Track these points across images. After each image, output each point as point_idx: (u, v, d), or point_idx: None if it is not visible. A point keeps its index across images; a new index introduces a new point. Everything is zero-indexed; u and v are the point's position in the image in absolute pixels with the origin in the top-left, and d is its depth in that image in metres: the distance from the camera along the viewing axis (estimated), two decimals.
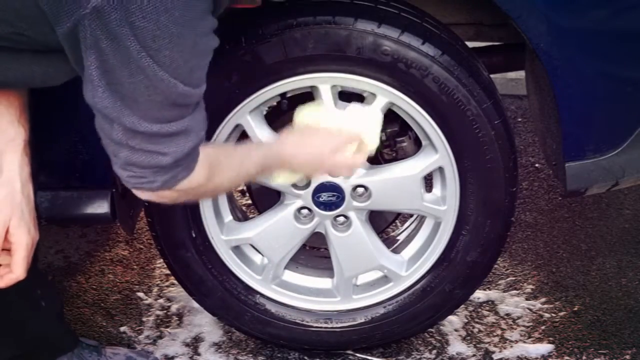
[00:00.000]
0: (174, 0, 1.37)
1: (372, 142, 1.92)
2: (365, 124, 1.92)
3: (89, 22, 1.35)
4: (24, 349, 2.03)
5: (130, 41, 1.36)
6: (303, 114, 1.93)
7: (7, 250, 1.66)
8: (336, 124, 1.90)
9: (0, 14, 1.42)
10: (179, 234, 2.11)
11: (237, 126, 2.00)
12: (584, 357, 2.31)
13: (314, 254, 2.39)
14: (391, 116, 2.03)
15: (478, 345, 2.36)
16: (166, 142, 1.50)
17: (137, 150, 1.50)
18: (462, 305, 2.37)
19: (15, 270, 1.64)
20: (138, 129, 1.46)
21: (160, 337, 2.41)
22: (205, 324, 2.44)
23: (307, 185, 2.05)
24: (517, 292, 2.57)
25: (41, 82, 1.61)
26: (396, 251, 2.23)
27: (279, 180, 1.96)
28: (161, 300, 2.56)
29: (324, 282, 2.27)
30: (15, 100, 1.68)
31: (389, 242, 2.31)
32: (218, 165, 1.67)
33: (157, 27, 1.36)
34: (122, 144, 1.50)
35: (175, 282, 2.34)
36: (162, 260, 2.25)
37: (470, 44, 2.12)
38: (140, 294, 2.58)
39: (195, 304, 2.32)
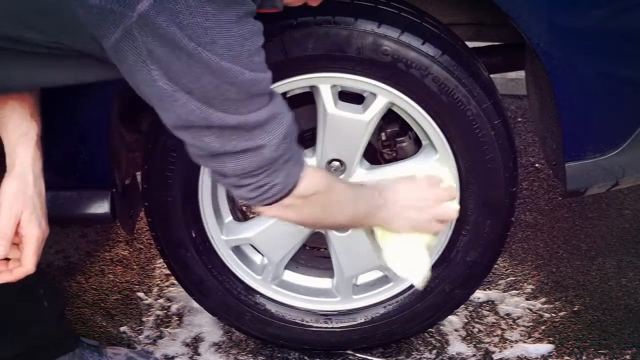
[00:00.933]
0: None
1: (450, 179, 1.97)
2: (448, 177, 1.96)
3: (137, 31, 1.34)
4: (25, 348, 2.03)
5: (184, 41, 1.35)
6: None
7: (16, 244, 1.65)
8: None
9: (42, 25, 1.41)
10: (179, 234, 2.11)
11: None
12: (584, 357, 2.31)
13: (314, 254, 2.39)
14: (391, 116, 2.03)
15: (478, 345, 2.36)
16: (258, 132, 1.50)
17: (238, 154, 1.50)
18: (462, 305, 2.37)
19: (25, 264, 1.64)
20: (228, 123, 1.46)
21: (160, 337, 2.41)
22: (205, 324, 2.44)
23: None
24: (517, 292, 2.57)
25: (75, 82, 1.61)
26: None
27: (379, 240, 1.91)
28: (161, 300, 2.56)
29: (324, 282, 2.27)
30: (28, 96, 1.68)
31: None
32: (333, 180, 1.71)
33: (206, 18, 1.36)
34: (222, 153, 1.50)
35: (175, 282, 2.34)
36: (162, 260, 2.25)
37: (470, 44, 2.12)
38: (140, 294, 2.58)
39: (195, 304, 2.32)
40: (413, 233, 1.89)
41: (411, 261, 1.92)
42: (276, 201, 1.60)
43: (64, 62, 1.53)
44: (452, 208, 1.93)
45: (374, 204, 1.83)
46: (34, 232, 1.66)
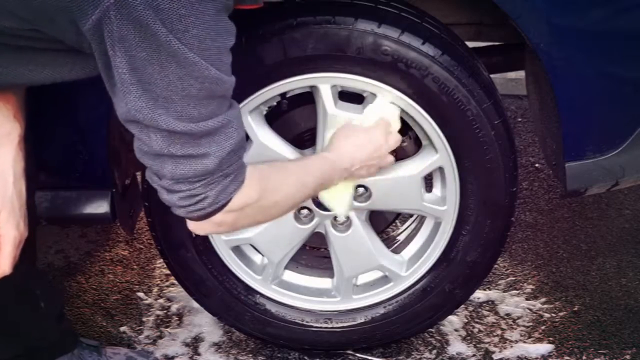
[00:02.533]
0: None
1: (397, 120, 1.96)
2: (387, 113, 1.95)
3: (114, 12, 1.34)
4: (24, 350, 2.03)
5: (157, 26, 1.35)
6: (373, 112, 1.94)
7: None
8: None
9: (20, 11, 1.41)
10: (179, 234, 2.11)
11: None
12: (584, 357, 2.31)
13: (314, 254, 2.39)
14: None
15: (478, 345, 2.36)
16: (206, 141, 1.49)
17: (180, 158, 1.49)
18: (462, 305, 2.37)
19: (0, 265, 1.63)
20: (175, 129, 1.45)
21: (160, 337, 2.41)
22: (205, 324, 2.44)
23: None
24: (517, 292, 2.57)
25: (51, 81, 1.60)
26: (396, 251, 2.23)
27: (338, 194, 1.95)
28: (161, 300, 2.56)
29: (324, 282, 2.27)
30: (12, 96, 1.68)
31: (389, 242, 2.31)
32: (269, 180, 1.66)
33: (182, 5, 1.36)
34: (164, 154, 1.49)
35: (175, 282, 2.34)
36: (162, 260, 2.25)
37: (470, 44, 2.12)
38: (140, 294, 2.58)
39: (195, 304, 2.32)
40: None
41: (339, 196, 1.96)
42: (205, 216, 1.58)
43: (42, 58, 1.53)
44: (390, 160, 1.95)
45: (321, 175, 1.82)
46: (11, 233, 1.65)
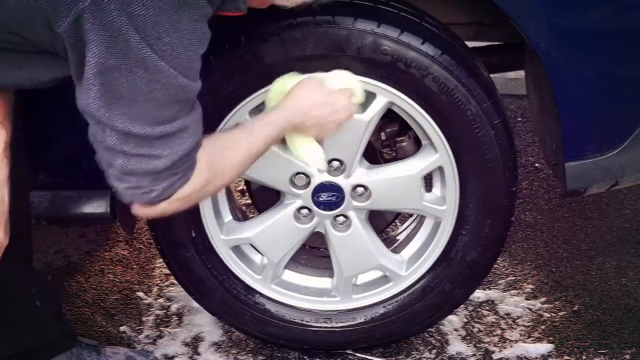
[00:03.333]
0: None
1: (360, 93, 1.90)
2: (353, 84, 1.90)
3: (88, 15, 1.35)
4: (20, 349, 2.03)
5: (130, 32, 1.36)
6: (285, 84, 1.87)
7: None
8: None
9: None
10: (179, 234, 2.11)
11: (237, 126, 1.99)
12: (584, 357, 2.31)
13: (314, 254, 2.39)
14: (391, 116, 2.03)
15: (478, 345, 2.36)
16: (161, 144, 1.50)
17: (133, 156, 1.50)
18: (462, 305, 2.37)
19: None
20: (131, 131, 1.46)
21: (160, 337, 2.41)
22: (205, 324, 2.44)
23: (307, 185, 2.05)
24: (517, 292, 2.57)
25: (29, 84, 1.60)
26: (396, 251, 2.23)
27: (297, 145, 1.90)
28: (161, 300, 2.56)
29: (324, 282, 2.27)
30: (0, 103, 1.67)
31: (389, 242, 2.31)
32: (218, 165, 1.65)
33: (157, 13, 1.37)
34: (117, 151, 1.49)
35: (175, 282, 2.34)
36: (162, 260, 2.25)
37: (470, 44, 2.12)
38: (140, 294, 2.58)
39: (195, 304, 2.32)
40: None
41: (311, 151, 1.91)
42: (150, 204, 1.59)
43: (18, 59, 1.53)
44: (339, 127, 1.88)
45: (271, 141, 1.77)
46: None
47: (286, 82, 1.86)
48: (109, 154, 1.51)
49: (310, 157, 1.91)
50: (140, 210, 1.61)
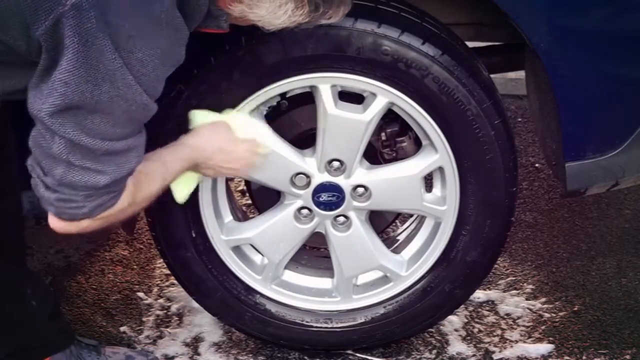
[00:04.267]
0: (152, 2, 1.38)
1: (267, 143, 1.94)
2: (261, 133, 1.94)
3: (66, 19, 1.35)
4: (16, 348, 2.03)
5: (104, 41, 1.36)
6: (205, 117, 1.90)
7: None
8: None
9: None
10: (179, 234, 2.11)
11: None
12: (584, 357, 2.31)
13: (314, 254, 2.39)
14: (391, 116, 2.03)
15: (478, 345, 2.36)
16: (107, 160, 1.50)
17: (75, 167, 1.48)
18: (462, 305, 2.37)
19: None
20: (82, 142, 1.45)
21: (160, 337, 2.41)
22: (205, 324, 2.44)
23: (307, 185, 2.05)
24: (517, 292, 2.57)
25: (4, 93, 1.59)
26: (396, 251, 2.23)
27: (179, 187, 1.92)
28: (161, 300, 2.56)
29: (324, 282, 2.27)
30: None
31: (389, 242, 2.31)
32: (140, 190, 1.65)
33: (135, 26, 1.37)
34: (61, 159, 1.47)
35: (175, 282, 2.34)
36: (162, 260, 2.25)
37: (470, 44, 2.12)
38: (140, 294, 2.58)
39: (195, 304, 2.32)
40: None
41: (182, 185, 1.92)
42: (73, 220, 1.57)
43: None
44: (238, 173, 1.95)
45: (179, 170, 1.80)
46: None
47: (206, 116, 1.89)
48: (51, 161, 1.49)
49: (175, 188, 1.91)
50: (59, 225, 1.59)
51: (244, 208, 2.76)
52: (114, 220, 1.68)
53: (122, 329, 2.44)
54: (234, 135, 1.88)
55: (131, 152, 1.53)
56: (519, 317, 2.47)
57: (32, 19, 1.37)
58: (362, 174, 2.05)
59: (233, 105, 1.94)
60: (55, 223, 1.59)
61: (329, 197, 2.05)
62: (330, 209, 2.07)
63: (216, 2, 1.54)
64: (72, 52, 1.37)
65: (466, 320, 2.45)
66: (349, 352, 2.33)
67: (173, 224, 2.09)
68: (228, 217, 2.17)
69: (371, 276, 2.25)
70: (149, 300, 2.56)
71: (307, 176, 2.04)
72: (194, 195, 2.05)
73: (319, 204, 2.06)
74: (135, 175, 1.60)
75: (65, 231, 1.61)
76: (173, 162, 1.78)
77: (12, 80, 1.55)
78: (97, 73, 1.39)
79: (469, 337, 2.39)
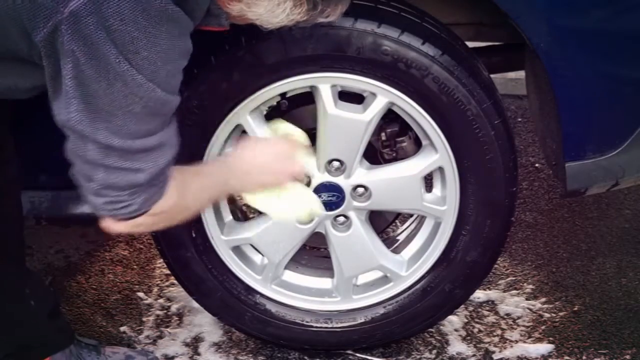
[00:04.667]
0: (151, 1, 1.37)
1: (303, 155, 1.96)
2: (294, 133, 1.97)
3: (65, 27, 1.36)
4: (15, 348, 2.03)
5: (107, 46, 1.37)
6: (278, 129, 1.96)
7: None
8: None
9: None
10: (179, 234, 2.11)
11: (237, 126, 2.00)
12: (584, 357, 2.31)
13: (314, 254, 2.39)
14: (391, 116, 2.03)
15: (478, 345, 2.36)
16: (142, 157, 1.52)
17: (114, 169, 1.51)
18: (462, 305, 2.37)
19: None
20: (113, 144, 1.47)
21: (160, 337, 2.41)
22: (205, 324, 2.44)
23: (307, 185, 2.04)
24: (517, 292, 2.57)
25: (10, 93, 1.61)
26: (396, 251, 2.23)
27: (249, 201, 1.96)
28: (161, 300, 2.56)
29: (324, 282, 2.27)
30: None
31: (389, 242, 2.31)
32: (185, 185, 1.67)
33: (136, 27, 1.37)
34: (98, 164, 1.50)
35: (175, 282, 2.34)
36: (162, 260, 2.25)
37: (470, 44, 2.12)
38: (140, 294, 2.58)
39: (195, 304, 2.32)
40: (269, 189, 1.93)
41: (282, 206, 1.96)
42: (127, 219, 1.60)
43: None
44: (298, 162, 1.93)
45: (222, 181, 1.83)
46: None
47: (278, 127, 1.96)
48: (90, 168, 1.52)
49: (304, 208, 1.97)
50: (114, 225, 1.61)
51: (244, 208, 2.76)
52: (167, 219, 1.70)
53: (122, 329, 2.44)
54: (270, 146, 1.93)
55: (163, 146, 1.55)
56: (519, 317, 2.47)
57: (30, 26, 1.38)
58: (362, 174, 2.05)
59: (233, 105, 1.94)
60: (114, 226, 1.62)
61: (329, 197, 2.05)
62: (330, 209, 2.07)
63: (216, 1, 1.54)
64: (75, 58, 1.37)
65: (466, 320, 2.45)
66: (349, 352, 2.33)
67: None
68: (228, 217, 2.17)
69: (371, 276, 2.25)
70: (149, 300, 2.56)
71: (307, 176, 2.04)
72: None
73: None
74: (178, 175, 1.63)
75: (121, 231, 1.64)
76: (215, 165, 1.86)
77: (20, 80, 1.57)
78: (107, 73, 1.39)
79: (469, 337, 2.39)
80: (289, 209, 1.99)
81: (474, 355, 2.33)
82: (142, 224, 1.63)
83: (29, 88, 1.61)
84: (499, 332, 2.41)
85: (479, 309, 2.50)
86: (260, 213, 2.23)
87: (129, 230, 1.65)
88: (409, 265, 2.19)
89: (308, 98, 2.01)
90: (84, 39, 1.36)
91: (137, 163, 1.51)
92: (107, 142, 1.47)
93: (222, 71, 1.90)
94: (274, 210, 1.98)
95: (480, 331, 2.42)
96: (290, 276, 2.26)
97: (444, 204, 2.09)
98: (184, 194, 1.67)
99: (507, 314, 2.48)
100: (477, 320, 2.46)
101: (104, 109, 1.44)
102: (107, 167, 1.50)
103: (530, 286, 2.60)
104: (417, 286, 2.19)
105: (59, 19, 1.35)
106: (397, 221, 2.57)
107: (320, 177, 2.03)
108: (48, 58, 1.41)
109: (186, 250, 2.13)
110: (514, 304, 2.52)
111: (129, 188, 1.54)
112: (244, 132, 2.01)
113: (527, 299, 2.54)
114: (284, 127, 1.98)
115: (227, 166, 1.87)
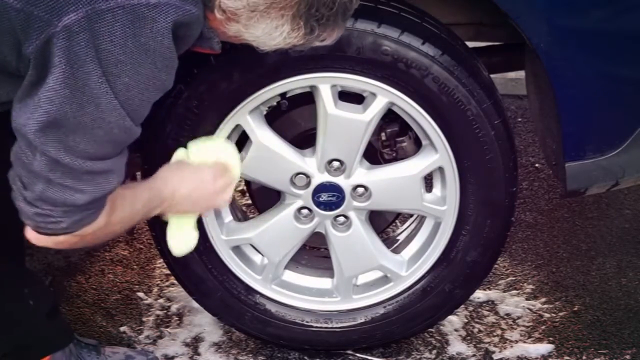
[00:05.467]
0: (143, 26, 1.38)
1: (237, 171, 1.91)
2: (227, 155, 1.90)
3: (57, 40, 1.36)
4: (13, 348, 2.03)
5: (93, 64, 1.38)
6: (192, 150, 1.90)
7: None
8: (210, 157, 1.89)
9: None
10: None
11: (237, 126, 2.00)
12: (584, 357, 2.31)
13: (314, 254, 2.39)
14: (391, 116, 2.03)
15: (478, 345, 2.36)
16: (87, 180, 1.50)
17: (55, 185, 1.49)
18: (462, 305, 2.37)
19: None
20: (63, 160, 1.46)
21: (160, 337, 2.41)
22: (205, 324, 2.44)
23: (307, 185, 2.05)
24: (517, 292, 2.57)
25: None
26: (396, 251, 2.23)
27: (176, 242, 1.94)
28: (161, 300, 2.56)
29: (324, 282, 2.27)
30: None
31: (389, 242, 2.31)
32: (115, 210, 1.65)
33: (123, 51, 1.38)
34: (41, 176, 1.48)
35: (175, 282, 2.34)
36: (162, 260, 2.25)
37: (470, 44, 2.12)
38: (140, 294, 2.58)
39: (195, 304, 2.32)
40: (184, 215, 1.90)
41: (177, 236, 1.93)
42: (51, 235, 1.58)
43: None
44: (224, 200, 1.89)
45: (148, 202, 1.79)
46: None
47: (186, 152, 1.89)
48: (31, 177, 1.50)
49: (173, 244, 1.93)
50: (36, 238, 1.60)
51: (244, 208, 2.76)
52: (90, 240, 1.68)
53: (122, 329, 2.44)
54: (194, 166, 1.86)
55: (111, 174, 1.54)
56: (519, 317, 2.47)
57: (24, 37, 1.39)
58: (362, 174, 2.05)
59: (233, 105, 1.94)
60: (32, 236, 1.60)
61: (329, 197, 2.05)
62: (330, 209, 2.07)
63: (209, 24, 1.54)
64: (59, 71, 1.38)
65: (466, 320, 2.45)
66: (349, 352, 2.33)
67: None
68: (228, 217, 2.17)
69: (371, 276, 2.25)
70: (149, 300, 2.56)
71: (307, 176, 2.04)
72: None
73: (319, 204, 2.06)
74: (111, 198, 1.61)
75: (43, 244, 1.62)
76: (141, 189, 1.78)
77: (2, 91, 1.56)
78: (82, 95, 1.40)
79: (469, 337, 2.39)
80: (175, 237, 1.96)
81: (474, 355, 2.33)
82: (64, 242, 1.61)
83: (8, 100, 1.60)
84: (499, 332, 2.41)
85: (479, 309, 2.50)
86: (260, 213, 2.24)
87: (49, 245, 1.62)
88: (409, 265, 2.19)
89: (308, 98, 2.02)
90: (72, 54, 1.37)
91: (80, 184, 1.50)
92: (56, 157, 1.45)
93: (222, 71, 1.90)
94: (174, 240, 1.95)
95: (480, 331, 2.42)
96: (290, 276, 2.26)
97: (444, 204, 2.09)
98: (112, 218, 1.65)
99: (507, 314, 2.48)
100: (477, 320, 2.46)
101: (65, 126, 1.43)
102: (49, 180, 1.48)
103: (530, 286, 2.60)
104: (417, 286, 2.19)
105: (52, 31, 1.36)
106: (397, 221, 2.57)
107: (320, 177, 2.03)
108: (35, 68, 1.41)
109: None
110: (514, 304, 2.52)
111: (63, 206, 1.52)
112: (243, 132, 2.02)
113: (527, 299, 2.54)
114: (211, 145, 1.91)
115: (157, 190, 1.80)
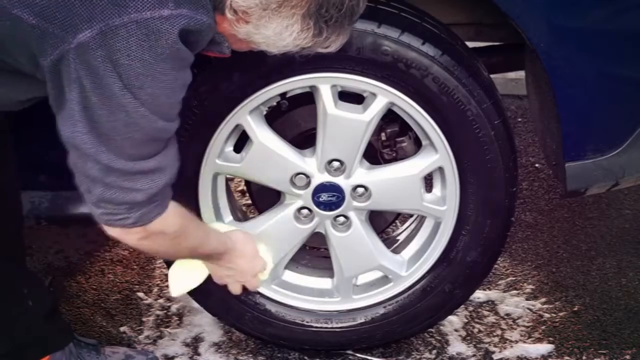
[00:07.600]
0: (158, 38, 1.39)
1: (267, 273, 2.08)
2: (264, 253, 2.05)
3: (73, 57, 1.38)
4: (11, 348, 2.03)
5: (112, 78, 1.39)
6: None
7: None
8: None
9: None
10: None
11: (237, 126, 2.00)
12: (584, 357, 2.31)
13: (314, 254, 2.39)
14: (391, 116, 2.03)
15: (478, 345, 2.36)
16: (141, 178, 1.54)
17: (112, 187, 1.53)
18: (462, 305, 2.37)
19: None
20: (114, 165, 1.50)
21: (160, 337, 2.41)
22: (205, 324, 2.44)
23: (307, 185, 2.05)
24: (517, 292, 2.57)
25: (8, 103, 1.63)
26: (396, 251, 2.23)
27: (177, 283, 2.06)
28: (161, 300, 2.56)
29: (324, 282, 2.27)
30: None
31: (389, 242, 2.31)
32: (188, 227, 1.73)
33: (142, 64, 1.40)
34: (97, 181, 1.53)
35: None
36: (162, 260, 2.24)
37: (470, 44, 2.12)
38: (140, 294, 2.58)
39: (195, 304, 2.32)
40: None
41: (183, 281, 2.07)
42: (123, 227, 1.62)
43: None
44: (256, 283, 2.07)
45: (215, 254, 1.92)
46: None
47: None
48: (89, 182, 1.54)
49: (173, 282, 2.07)
50: (117, 233, 1.64)
51: (244, 208, 2.76)
52: (162, 248, 1.76)
53: (122, 329, 2.44)
54: (257, 255, 2.03)
55: (164, 169, 1.58)
56: (519, 317, 2.47)
57: (38, 52, 1.41)
58: (362, 174, 2.04)
59: (232, 105, 1.94)
60: (110, 231, 1.64)
61: (329, 197, 2.05)
62: (330, 209, 2.07)
63: (219, 27, 1.55)
64: (81, 85, 1.40)
65: (466, 320, 2.45)
66: (349, 352, 2.33)
67: None
68: (228, 217, 2.17)
69: (371, 276, 2.25)
70: (149, 300, 2.56)
71: (307, 176, 2.04)
72: (194, 196, 2.05)
73: (319, 204, 2.06)
74: (187, 214, 1.73)
75: (125, 241, 1.67)
76: (214, 236, 1.91)
77: (20, 91, 1.60)
78: (110, 103, 1.42)
79: (469, 337, 2.39)
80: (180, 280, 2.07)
81: (474, 355, 2.33)
82: (135, 236, 1.64)
83: (27, 99, 1.63)
84: (499, 332, 2.41)
85: (479, 309, 2.50)
86: (260, 213, 2.24)
87: (129, 241, 1.67)
88: (409, 266, 2.19)
89: (308, 98, 2.02)
90: (91, 69, 1.39)
91: (136, 183, 1.54)
92: (107, 163, 1.50)
93: (222, 71, 1.90)
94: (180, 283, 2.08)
95: (480, 331, 2.42)
96: (291, 276, 2.26)
97: (444, 204, 2.09)
98: (184, 231, 1.72)
99: (507, 314, 2.48)
100: (477, 320, 2.46)
101: (105, 133, 1.47)
102: (107, 184, 1.53)
103: (530, 286, 2.60)
104: (417, 286, 2.19)
105: (67, 48, 1.37)
106: (397, 221, 2.57)
107: (320, 177, 2.03)
108: (52, 81, 1.44)
109: None
110: (514, 304, 2.52)
111: (124, 204, 1.56)
112: (243, 132, 2.02)
113: (527, 299, 2.54)
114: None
115: (227, 249, 1.94)
